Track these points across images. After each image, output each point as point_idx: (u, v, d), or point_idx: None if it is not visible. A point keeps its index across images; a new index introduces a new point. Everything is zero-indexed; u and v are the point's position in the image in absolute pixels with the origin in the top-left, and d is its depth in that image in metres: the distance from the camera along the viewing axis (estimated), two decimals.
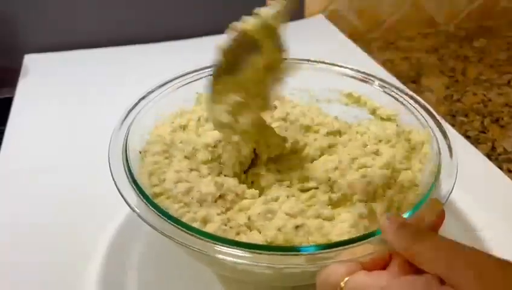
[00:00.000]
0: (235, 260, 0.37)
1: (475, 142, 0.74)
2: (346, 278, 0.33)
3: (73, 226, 0.55)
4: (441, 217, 0.39)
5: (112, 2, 0.92)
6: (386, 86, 0.57)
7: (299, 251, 0.38)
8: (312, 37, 0.93)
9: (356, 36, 1.00)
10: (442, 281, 0.30)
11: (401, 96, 0.55)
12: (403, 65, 0.97)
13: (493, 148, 0.74)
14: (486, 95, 0.87)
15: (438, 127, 0.50)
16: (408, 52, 1.02)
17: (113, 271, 0.50)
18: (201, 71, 0.58)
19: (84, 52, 0.91)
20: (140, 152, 0.50)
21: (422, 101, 0.54)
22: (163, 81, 0.56)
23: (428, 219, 0.37)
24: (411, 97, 0.54)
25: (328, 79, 0.60)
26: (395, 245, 0.34)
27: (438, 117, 0.52)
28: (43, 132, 0.71)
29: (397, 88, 0.56)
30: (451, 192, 0.43)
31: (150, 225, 0.40)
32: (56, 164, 0.65)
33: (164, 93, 0.55)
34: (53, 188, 0.60)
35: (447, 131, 0.50)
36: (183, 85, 0.57)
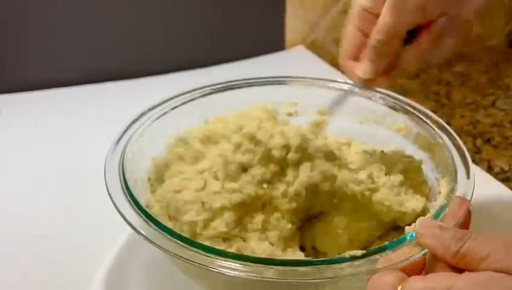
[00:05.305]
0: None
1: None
2: (399, 288, 0.30)
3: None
4: (468, 216, 0.37)
5: (89, 38, 0.88)
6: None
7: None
8: (295, 67, 0.92)
9: (336, 65, 0.99)
10: None
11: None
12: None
13: (490, 168, 0.72)
14: (473, 116, 0.86)
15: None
16: None
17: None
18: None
19: (57, 92, 0.86)
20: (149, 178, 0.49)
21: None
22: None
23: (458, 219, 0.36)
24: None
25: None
26: (437, 250, 0.31)
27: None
28: (23, 174, 0.67)
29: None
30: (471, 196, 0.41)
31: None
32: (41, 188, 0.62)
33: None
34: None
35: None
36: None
